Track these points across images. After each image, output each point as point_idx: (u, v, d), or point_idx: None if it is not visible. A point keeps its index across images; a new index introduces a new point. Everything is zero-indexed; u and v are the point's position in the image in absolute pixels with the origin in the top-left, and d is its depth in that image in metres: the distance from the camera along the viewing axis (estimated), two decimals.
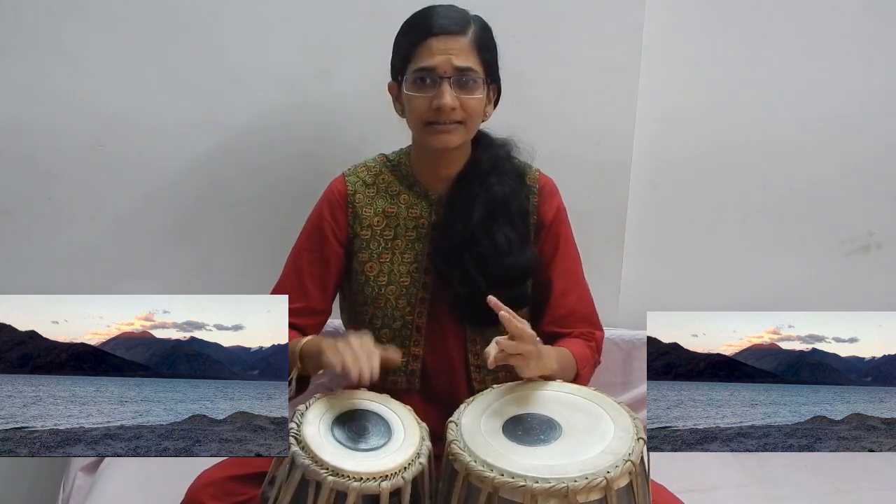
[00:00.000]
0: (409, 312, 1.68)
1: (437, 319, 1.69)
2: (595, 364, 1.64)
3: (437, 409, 1.60)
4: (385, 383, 1.68)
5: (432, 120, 1.57)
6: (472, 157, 1.67)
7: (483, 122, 1.66)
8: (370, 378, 1.40)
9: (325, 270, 1.68)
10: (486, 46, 1.60)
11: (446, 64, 1.54)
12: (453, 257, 1.63)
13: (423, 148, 1.65)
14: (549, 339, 1.64)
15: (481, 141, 1.68)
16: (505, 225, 1.63)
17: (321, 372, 1.54)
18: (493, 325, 1.65)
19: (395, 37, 1.65)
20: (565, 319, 1.66)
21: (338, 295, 1.77)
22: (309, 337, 1.59)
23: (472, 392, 1.66)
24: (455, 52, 1.55)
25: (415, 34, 1.58)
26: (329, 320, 1.77)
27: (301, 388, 1.60)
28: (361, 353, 1.41)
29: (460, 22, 1.58)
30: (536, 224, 1.69)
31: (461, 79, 1.55)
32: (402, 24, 1.64)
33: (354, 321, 1.73)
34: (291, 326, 1.62)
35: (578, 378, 1.57)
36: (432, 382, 1.70)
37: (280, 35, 1.97)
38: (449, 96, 1.54)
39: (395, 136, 1.79)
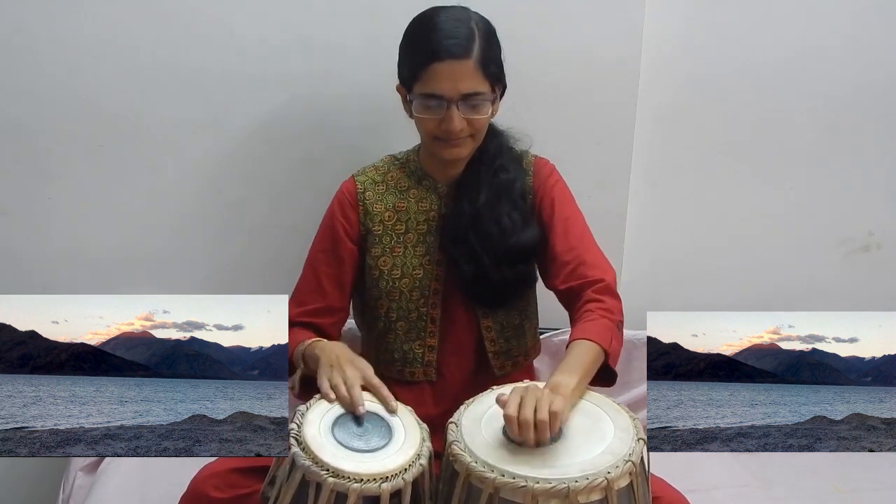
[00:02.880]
0: (423, 304, 1.71)
1: (450, 310, 1.72)
2: (619, 327, 1.60)
3: (450, 401, 1.63)
4: (402, 375, 1.73)
5: (442, 137, 1.60)
6: (480, 146, 1.69)
7: (491, 117, 1.67)
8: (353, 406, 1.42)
9: (340, 269, 1.71)
10: (491, 60, 1.59)
11: (453, 90, 1.55)
12: (460, 238, 1.67)
13: (432, 153, 1.68)
14: (569, 297, 1.64)
15: (488, 130, 1.69)
16: (508, 206, 1.67)
17: None
18: (503, 307, 1.71)
19: (400, 39, 1.64)
20: (576, 272, 1.64)
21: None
22: (312, 341, 1.61)
23: (492, 379, 1.67)
24: (461, 77, 1.55)
25: (420, 56, 1.57)
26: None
27: (310, 389, 1.60)
28: (342, 389, 1.44)
29: (464, 42, 1.55)
30: (532, 200, 1.72)
31: (468, 102, 1.57)
32: (407, 26, 1.63)
33: (369, 317, 1.76)
34: (312, 326, 1.67)
35: (610, 355, 1.52)
36: (447, 373, 1.74)
37: (280, 35, 1.96)
38: (457, 120, 1.56)
39: (396, 136, 1.79)
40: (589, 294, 1.60)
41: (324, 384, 1.46)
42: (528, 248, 1.69)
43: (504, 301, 1.72)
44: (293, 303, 1.69)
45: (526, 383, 1.44)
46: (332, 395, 1.43)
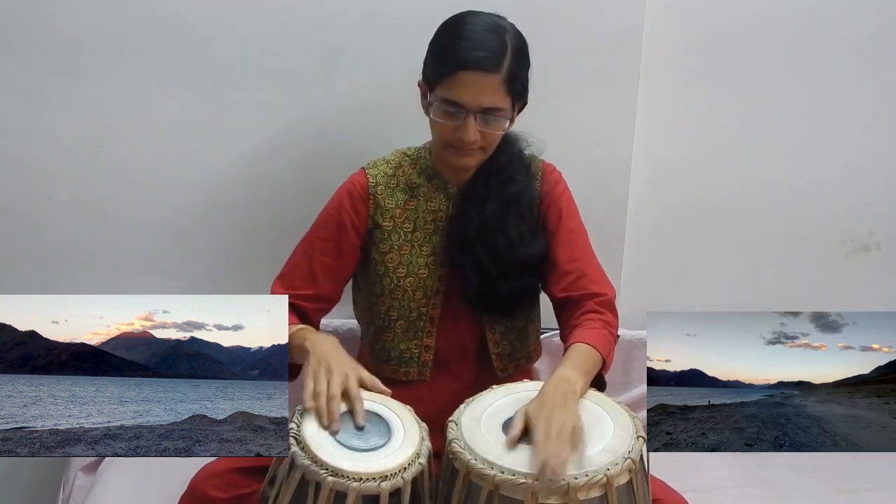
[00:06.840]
0: (424, 304, 1.71)
1: (450, 311, 1.72)
2: (616, 341, 1.62)
3: (449, 400, 1.60)
4: (397, 374, 1.72)
5: (454, 144, 1.58)
6: (491, 154, 1.67)
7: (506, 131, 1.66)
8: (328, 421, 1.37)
9: (338, 261, 1.70)
10: (517, 77, 1.56)
11: (474, 102, 1.52)
12: (467, 247, 1.67)
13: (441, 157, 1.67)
14: (566, 305, 1.64)
15: (502, 139, 1.67)
16: (517, 219, 1.66)
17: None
18: (507, 316, 1.71)
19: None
20: (577, 283, 1.64)
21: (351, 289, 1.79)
22: (299, 327, 1.59)
23: (492, 380, 1.65)
24: (484, 91, 1.52)
25: (449, 61, 1.54)
26: (326, 321, 1.77)
27: (292, 374, 1.58)
28: (322, 400, 1.38)
29: (495, 56, 1.52)
30: (539, 206, 1.71)
31: (487, 116, 1.55)
32: (440, 25, 1.60)
33: (369, 313, 1.75)
34: (296, 308, 1.64)
35: (605, 366, 1.54)
36: (443, 373, 1.73)
37: (280, 36, 1.96)
38: (472, 131, 1.54)
39: (397, 136, 1.79)
40: (590, 305, 1.61)
41: (307, 390, 1.41)
42: (534, 261, 1.68)
43: (509, 311, 1.72)
44: (281, 283, 1.68)
45: (525, 382, 1.48)
46: (312, 405, 1.39)
